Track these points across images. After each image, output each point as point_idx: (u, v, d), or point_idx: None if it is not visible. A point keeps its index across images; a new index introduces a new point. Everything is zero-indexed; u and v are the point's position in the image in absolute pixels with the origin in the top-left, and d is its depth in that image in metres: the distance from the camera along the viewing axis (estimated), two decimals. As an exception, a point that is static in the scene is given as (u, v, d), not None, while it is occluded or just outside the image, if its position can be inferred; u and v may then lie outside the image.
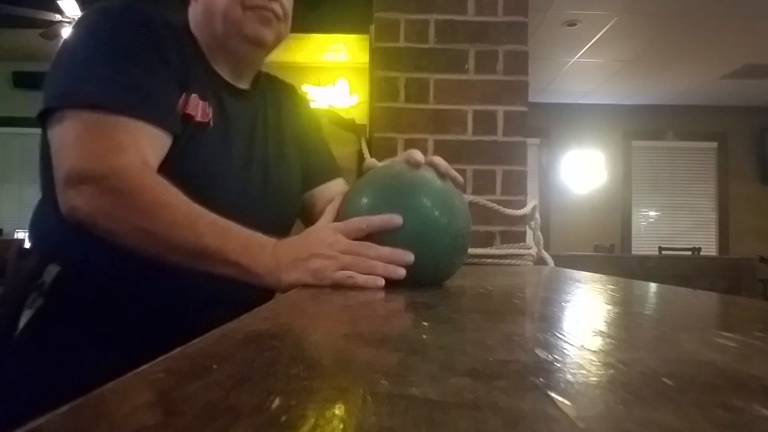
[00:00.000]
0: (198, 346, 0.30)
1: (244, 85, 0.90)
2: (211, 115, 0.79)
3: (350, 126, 2.09)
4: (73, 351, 0.71)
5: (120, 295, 0.74)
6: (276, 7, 0.83)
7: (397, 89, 1.61)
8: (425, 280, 0.69)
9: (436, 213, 0.70)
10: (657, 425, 0.18)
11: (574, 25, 3.98)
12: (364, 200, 0.72)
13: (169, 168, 0.71)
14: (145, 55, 0.73)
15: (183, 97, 0.76)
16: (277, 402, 0.20)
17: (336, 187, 0.99)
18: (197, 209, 0.66)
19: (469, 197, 1.48)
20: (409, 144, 1.60)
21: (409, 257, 0.66)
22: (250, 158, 0.85)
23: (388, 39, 1.62)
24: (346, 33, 4.34)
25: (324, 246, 0.66)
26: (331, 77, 5.05)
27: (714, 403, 0.21)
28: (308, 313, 0.49)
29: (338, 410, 0.20)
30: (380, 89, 1.62)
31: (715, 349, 0.33)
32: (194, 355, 0.28)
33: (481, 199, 1.49)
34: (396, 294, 0.61)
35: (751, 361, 0.30)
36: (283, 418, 0.19)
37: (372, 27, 1.67)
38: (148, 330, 0.70)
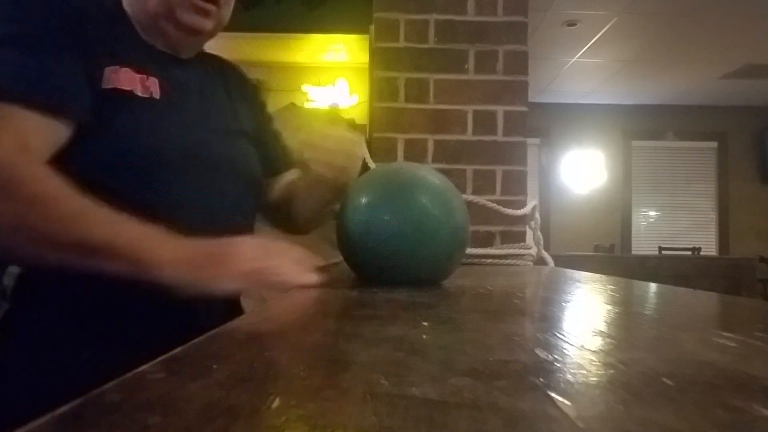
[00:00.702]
0: (198, 346, 0.30)
1: (184, 56, 0.82)
2: (157, 88, 0.73)
3: (350, 126, 2.09)
4: (68, 350, 0.66)
5: (107, 289, 0.65)
6: None
7: (397, 89, 1.61)
8: (426, 276, 0.70)
9: (434, 208, 0.71)
10: (657, 425, 0.18)
11: (574, 25, 3.98)
12: (363, 199, 0.72)
13: (123, 149, 0.66)
14: (38, 31, 0.64)
15: (108, 73, 0.68)
16: (277, 402, 0.20)
17: (290, 177, 0.96)
18: (85, 201, 0.57)
19: (469, 197, 1.48)
20: (409, 144, 1.60)
21: (318, 262, 0.67)
22: (210, 130, 0.79)
23: (388, 39, 1.62)
24: (346, 33, 4.33)
25: (242, 252, 0.62)
26: (331, 77, 5.04)
27: (714, 403, 0.21)
28: (308, 313, 0.49)
29: (338, 410, 0.20)
30: (380, 89, 1.62)
31: (715, 349, 0.33)
32: (194, 355, 0.28)
33: (481, 199, 1.49)
34: (396, 294, 0.61)
35: (751, 361, 0.30)
36: (283, 418, 0.19)
37: (372, 27, 1.67)
38: (144, 328, 0.68)
